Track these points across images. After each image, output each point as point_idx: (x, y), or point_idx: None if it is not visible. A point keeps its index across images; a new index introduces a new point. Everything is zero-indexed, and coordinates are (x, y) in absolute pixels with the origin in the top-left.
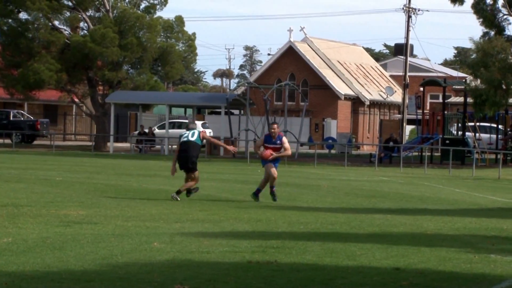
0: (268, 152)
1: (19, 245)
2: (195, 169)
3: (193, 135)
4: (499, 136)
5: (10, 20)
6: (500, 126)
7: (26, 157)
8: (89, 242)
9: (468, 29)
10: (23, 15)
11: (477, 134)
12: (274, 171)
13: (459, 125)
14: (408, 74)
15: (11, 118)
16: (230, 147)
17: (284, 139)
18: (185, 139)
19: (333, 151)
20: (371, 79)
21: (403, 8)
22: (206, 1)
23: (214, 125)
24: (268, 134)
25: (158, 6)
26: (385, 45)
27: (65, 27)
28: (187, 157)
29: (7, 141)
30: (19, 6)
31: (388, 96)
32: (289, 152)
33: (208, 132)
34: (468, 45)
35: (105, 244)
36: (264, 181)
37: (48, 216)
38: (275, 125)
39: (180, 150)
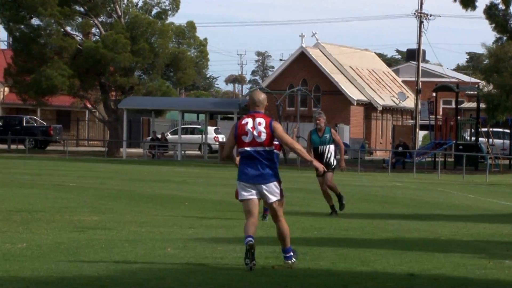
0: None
1: (33, 250)
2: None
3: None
4: None
5: (22, 26)
6: None
7: (39, 163)
8: (103, 247)
9: (480, 34)
10: (35, 21)
11: (491, 140)
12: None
13: (472, 130)
14: (420, 79)
15: (24, 124)
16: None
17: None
18: None
19: (346, 157)
20: (383, 85)
21: (414, 14)
22: (218, 6)
23: (227, 130)
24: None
25: (169, 12)
26: (397, 51)
27: (77, 33)
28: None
29: (20, 146)
30: (31, 12)
31: (401, 101)
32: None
33: (221, 138)
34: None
35: (118, 250)
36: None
37: (62, 221)
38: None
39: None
